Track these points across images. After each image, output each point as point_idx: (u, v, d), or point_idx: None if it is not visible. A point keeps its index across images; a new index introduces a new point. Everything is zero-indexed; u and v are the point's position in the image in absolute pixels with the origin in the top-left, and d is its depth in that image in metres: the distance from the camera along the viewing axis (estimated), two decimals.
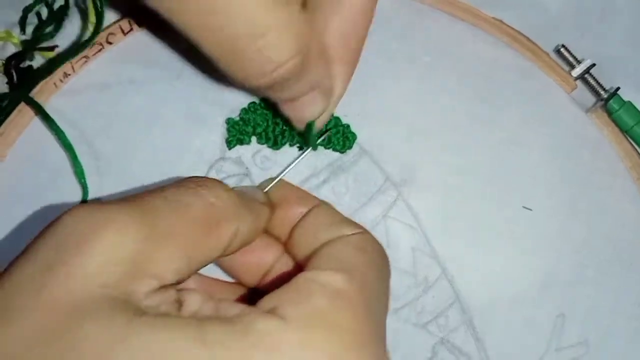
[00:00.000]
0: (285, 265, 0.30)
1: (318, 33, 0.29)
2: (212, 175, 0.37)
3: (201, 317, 0.21)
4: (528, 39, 0.41)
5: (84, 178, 0.36)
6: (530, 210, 0.38)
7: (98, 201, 0.23)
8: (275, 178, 0.34)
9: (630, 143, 0.40)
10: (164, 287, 0.22)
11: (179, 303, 0.22)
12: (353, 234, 0.28)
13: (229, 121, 0.37)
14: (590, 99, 0.42)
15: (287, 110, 0.32)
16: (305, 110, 0.31)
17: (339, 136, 0.37)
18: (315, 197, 0.33)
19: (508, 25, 0.41)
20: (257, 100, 0.37)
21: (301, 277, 0.24)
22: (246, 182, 0.37)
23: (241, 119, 0.37)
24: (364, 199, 0.38)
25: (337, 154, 0.38)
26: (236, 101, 0.38)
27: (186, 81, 0.38)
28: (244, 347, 0.20)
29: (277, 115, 0.37)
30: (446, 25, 0.41)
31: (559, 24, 0.44)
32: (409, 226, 0.38)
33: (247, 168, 0.37)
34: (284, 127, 0.37)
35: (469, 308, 0.37)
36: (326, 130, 0.37)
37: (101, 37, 0.37)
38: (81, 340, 0.19)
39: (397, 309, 0.37)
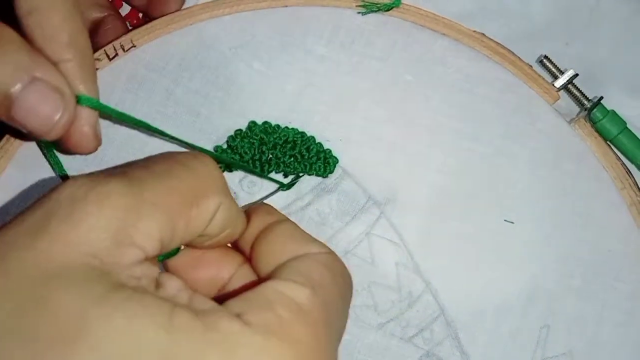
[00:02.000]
0: (242, 279, 0.30)
1: None
2: None
3: (175, 302, 0.22)
4: (509, 51, 0.41)
5: None
6: (512, 223, 0.39)
7: (88, 174, 0.24)
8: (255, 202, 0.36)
9: (615, 153, 0.40)
10: (147, 260, 0.23)
11: (158, 284, 0.23)
12: (320, 252, 0.28)
13: (217, 149, 0.39)
14: (574, 109, 0.42)
15: None
16: None
17: (319, 162, 0.38)
18: (284, 215, 0.33)
19: (490, 39, 0.41)
20: (243, 128, 0.39)
21: (268, 286, 0.25)
22: None
23: (229, 146, 0.39)
24: (347, 218, 0.39)
25: (320, 177, 0.39)
26: (223, 129, 0.39)
27: (174, 109, 0.40)
28: (204, 342, 0.21)
29: (263, 142, 0.38)
30: (428, 41, 0.41)
31: (545, 33, 0.44)
32: (392, 242, 0.39)
33: (234, 192, 0.39)
34: (270, 155, 0.38)
35: (454, 321, 0.38)
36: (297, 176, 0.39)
37: None
38: (54, 307, 0.20)
39: (382, 324, 0.38)
